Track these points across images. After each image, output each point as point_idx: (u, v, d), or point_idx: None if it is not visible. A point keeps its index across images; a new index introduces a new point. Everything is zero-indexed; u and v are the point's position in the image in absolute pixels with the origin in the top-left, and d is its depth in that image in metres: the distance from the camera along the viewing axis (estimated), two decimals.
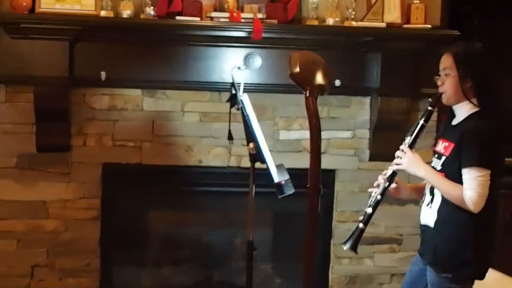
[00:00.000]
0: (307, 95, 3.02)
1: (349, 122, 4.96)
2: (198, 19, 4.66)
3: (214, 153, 4.97)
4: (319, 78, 3.10)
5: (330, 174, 5.06)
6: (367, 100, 5.01)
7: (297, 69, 3.09)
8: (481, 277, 3.47)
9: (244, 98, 3.42)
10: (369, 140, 5.05)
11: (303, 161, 4.77)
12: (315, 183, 2.90)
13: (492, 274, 3.52)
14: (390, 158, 4.93)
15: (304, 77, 3.08)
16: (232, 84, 3.49)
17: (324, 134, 4.89)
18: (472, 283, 3.49)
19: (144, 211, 5.25)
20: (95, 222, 4.95)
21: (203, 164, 4.99)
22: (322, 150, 4.96)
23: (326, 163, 4.74)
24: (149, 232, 5.31)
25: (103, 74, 4.73)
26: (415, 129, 3.59)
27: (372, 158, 5.05)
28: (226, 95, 4.81)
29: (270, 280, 5.32)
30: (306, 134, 4.88)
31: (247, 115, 3.40)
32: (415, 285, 3.68)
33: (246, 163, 4.88)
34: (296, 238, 5.22)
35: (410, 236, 5.12)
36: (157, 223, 5.32)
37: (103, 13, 4.64)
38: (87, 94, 4.85)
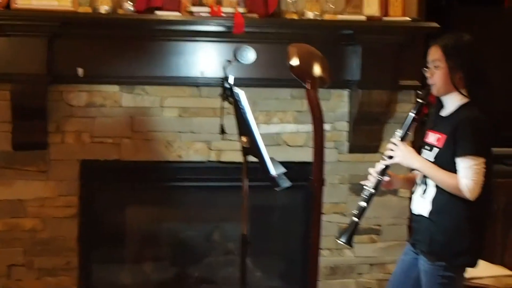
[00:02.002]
0: (309, 87, 3.03)
1: (328, 115, 4.93)
2: (178, 13, 4.64)
3: (194, 148, 4.95)
4: (319, 71, 3.11)
5: (311, 166, 5.07)
6: (346, 93, 5.04)
7: (297, 62, 3.09)
8: (474, 265, 3.52)
9: (240, 92, 3.42)
10: (348, 132, 5.07)
11: (283, 155, 4.83)
12: (319, 174, 2.91)
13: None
14: (369, 150, 5.05)
15: (304, 70, 3.09)
16: (225, 78, 3.47)
17: (304, 128, 4.96)
18: (465, 271, 3.55)
19: (123, 208, 5.20)
20: (73, 220, 4.90)
21: (183, 159, 4.97)
22: (302, 143, 5.02)
23: (306, 156, 4.75)
24: (128, 229, 5.27)
25: (80, 71, 4.70)
26: (405, 121, 3.60)
27: (351, 150, 5.08)
28: (205, 90, 4.88)
29: (250, 274, 5.30)
30: (286, 128, 5.00)
31: (243, 108, 3.38)
32: (407, 274, 3.68)
33: (226, 157, 4.94)
34: (274, 231, 5.29)
35: (389, 226, 5.19)
36: (136, 219, 5.27)
37: (80, 8, 4.59)
38: (65, 91, 4.80)
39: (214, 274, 5.34)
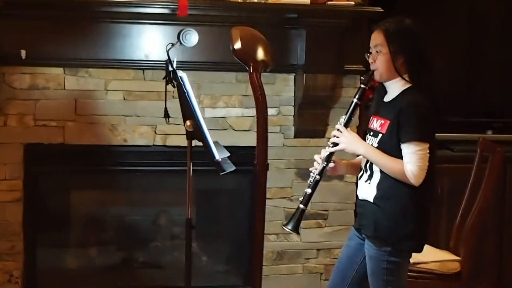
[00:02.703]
0: (251, 71, 3.02)
1: (273, 99, 4.96)
2: None
3: (139, 132, 4.91)
4: (261, 54, 3.11)
5: None
6: (291, 77, 5.04)
7: (239, 45, 3.09)
8: (420, 250, 3.54)
9: (183, 75, 3.40)
10: (294, 117, 5.06)
11: (229, 139, 4.82)
12: (263, 159, 2.90)
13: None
14: (315, 134, 5.04)
15: (247, 53, 3.08)
16: (169, 61, 3.45)
17: (249, 112, 4.95)
18: (410, 256, 3.57)
19: (68, 192, 5.16)
20: (18, 204, 4.83)
21: (128, 143, 4.93)
22: (248, 127, 5.00)
23: (252, 140, 4.73)
24: (74, 213, 5.23)
25: (23, 52, 4.64)
26: (349, 107, 3.59)
27: (297, 135, 5.08)
28: (150, 73, 4.83)
29: (196, 258, 5.30)
30: (231, 112, 4.98)
31: (187, 92, 3.37)
32: (352, 259, 3.68)
33: (172, 141, 4.90)
34: (221, 216, 5.28)
35: (336, 211, 5.19)
36: (81, 203, 5.24)
37: None
38: (7, 73, 4.73)
39: (160, 258, 5.32)
